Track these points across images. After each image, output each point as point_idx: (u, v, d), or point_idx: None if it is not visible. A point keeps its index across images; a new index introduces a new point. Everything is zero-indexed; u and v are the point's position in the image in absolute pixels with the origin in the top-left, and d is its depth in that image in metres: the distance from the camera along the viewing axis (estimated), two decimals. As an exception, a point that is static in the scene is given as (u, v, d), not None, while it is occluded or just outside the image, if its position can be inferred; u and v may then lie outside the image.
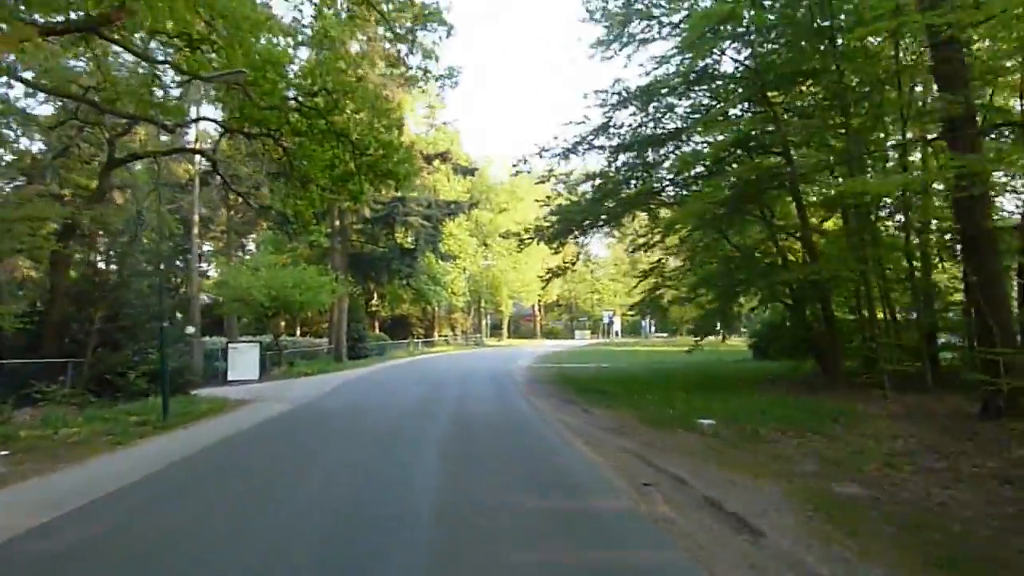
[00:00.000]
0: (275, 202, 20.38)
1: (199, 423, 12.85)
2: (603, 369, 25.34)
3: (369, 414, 13.44)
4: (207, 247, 48.32)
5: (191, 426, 12.42)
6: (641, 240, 21.21)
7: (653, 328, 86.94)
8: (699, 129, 16.46)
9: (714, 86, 17.72)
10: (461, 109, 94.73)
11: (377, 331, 47.11)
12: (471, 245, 53.75)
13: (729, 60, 17.43)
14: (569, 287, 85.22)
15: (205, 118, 16.01)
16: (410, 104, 45.27)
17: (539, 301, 76.46)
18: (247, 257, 27.57)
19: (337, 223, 31.73)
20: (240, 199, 35.58)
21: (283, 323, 54.26)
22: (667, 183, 19.79)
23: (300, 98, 14.96)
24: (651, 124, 18.57)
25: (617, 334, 79.11)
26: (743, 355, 32.07)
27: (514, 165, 18.73)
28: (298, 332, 53.29)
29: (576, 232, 19.94)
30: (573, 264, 21.57)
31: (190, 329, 26.05)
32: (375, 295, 47.07)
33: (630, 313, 41.93)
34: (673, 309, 59.01)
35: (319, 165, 16.14)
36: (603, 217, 18.81)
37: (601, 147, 17.99)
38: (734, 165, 18.22)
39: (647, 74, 17.34)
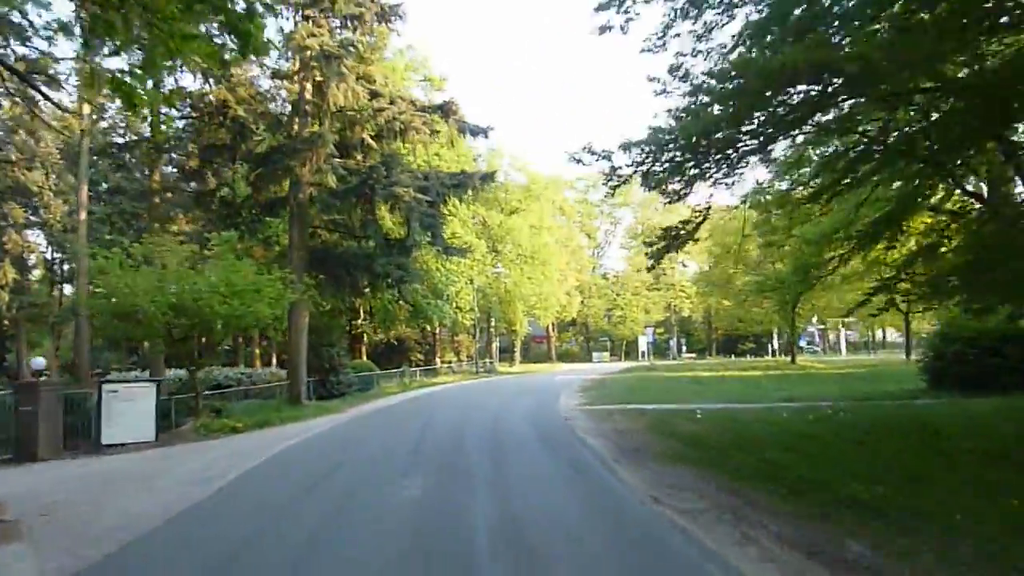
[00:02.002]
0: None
1: None
2: (713, 413, 15.25)
3: None
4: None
5: None
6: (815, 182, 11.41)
7: (684, 348, 77.28)
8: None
9: None
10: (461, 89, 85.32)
11: (364, 358, 37.07)
12: (480, 249, 43.76)
13: None
14: (585, 303, 75.27)
15: None
16: (399, 69, 35.76)
17: (557, 320, 66.27)
18: (134, 246, 17.50)
19: (292, 201, 21.81)
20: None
21: (256, 349, 44.32)
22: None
23: None
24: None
25: (644, 355, 69.03)
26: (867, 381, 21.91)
27: (599, 9, 8.94)
28: (274, 362, 43.20)
29: (713, 157, 10.04)
30: (701, 221, 11.52)
31: (39, 362, 16.01)
32: (360, 311, 37.06)
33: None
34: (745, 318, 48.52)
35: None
36: (782, 118, 8.89)
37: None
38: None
39: None
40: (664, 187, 10.46)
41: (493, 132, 23.22)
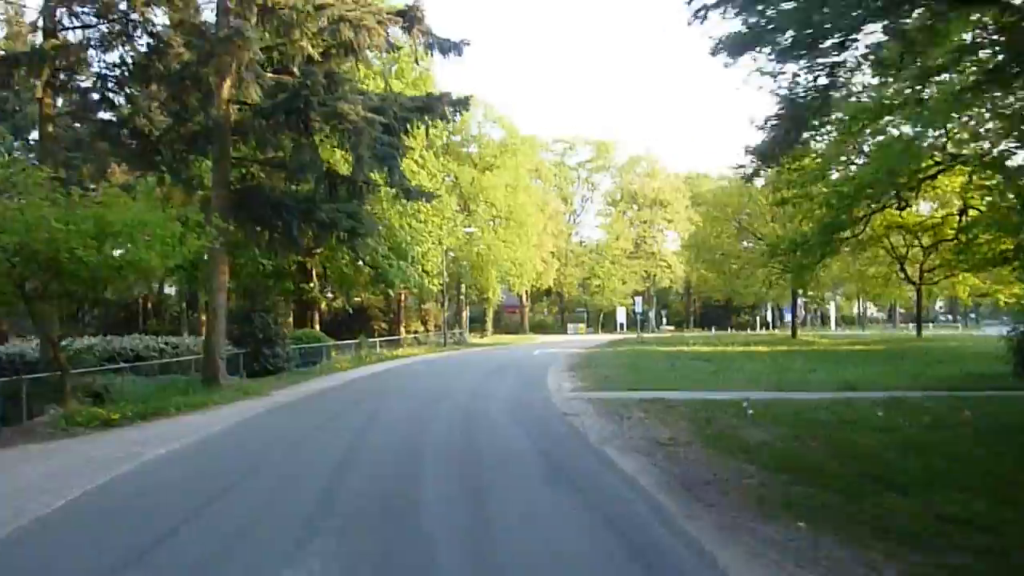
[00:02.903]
0: None
1: None
2: (765, 407, 11.00)
3: None
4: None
5: None
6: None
7: (665, 320, 73.74)
8: None
9: None
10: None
11: (316, 327, 32.35)
12: (450, 207, 38.93)
13: None
14: (561, 271, 70.80)
15: None
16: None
17: (532, 288, 61.80)
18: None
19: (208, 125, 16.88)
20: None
21: (202, 315, 39.02)
22: None
23: None
24: None
25: (622, 327, 65.09)
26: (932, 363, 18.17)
27: None
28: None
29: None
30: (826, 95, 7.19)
31: None
32: (312, 274, 32.18)
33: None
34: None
35: None
36: None
37: None
38: None
39: None
40: (774, 45, 6.02)
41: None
